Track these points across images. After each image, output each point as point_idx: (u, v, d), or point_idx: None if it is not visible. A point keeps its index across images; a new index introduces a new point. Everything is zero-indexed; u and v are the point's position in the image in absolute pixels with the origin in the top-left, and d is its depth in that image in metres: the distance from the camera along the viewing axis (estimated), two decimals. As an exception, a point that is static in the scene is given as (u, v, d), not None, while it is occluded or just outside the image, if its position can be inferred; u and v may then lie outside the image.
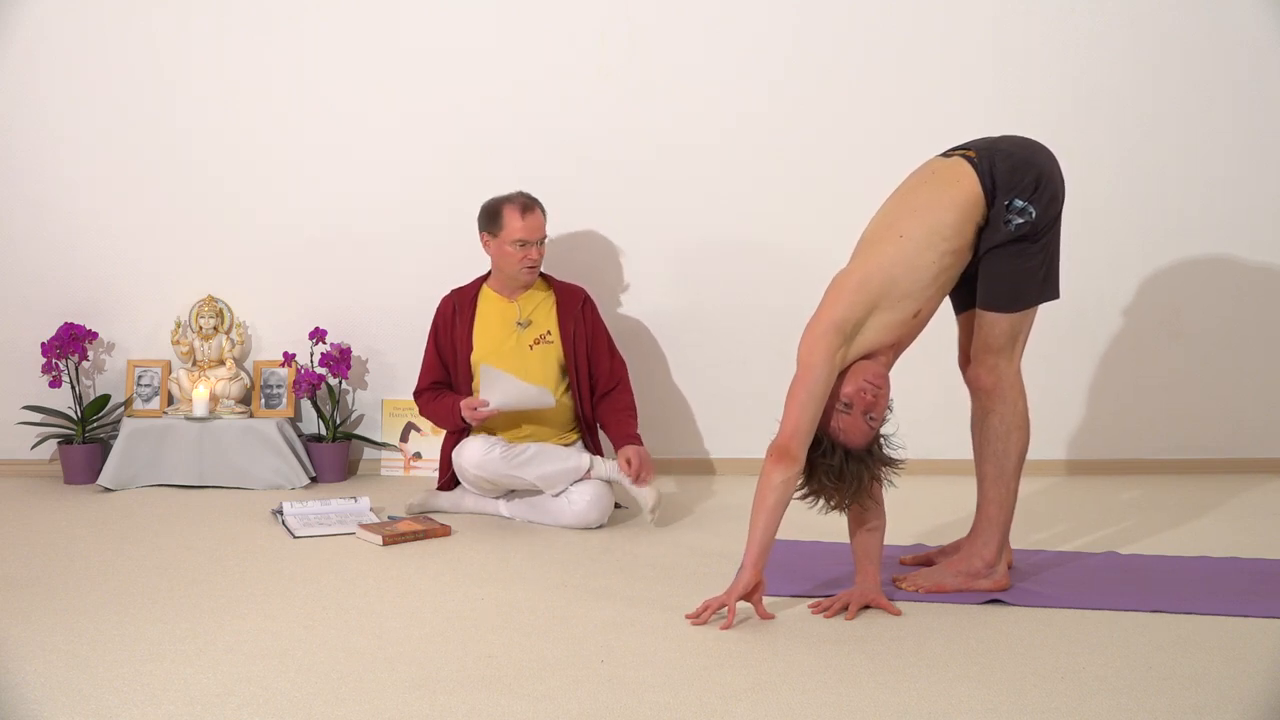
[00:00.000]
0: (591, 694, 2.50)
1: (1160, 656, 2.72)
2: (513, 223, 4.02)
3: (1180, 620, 2.97)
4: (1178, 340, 4.84)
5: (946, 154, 3.17)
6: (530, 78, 4.71)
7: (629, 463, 3.88)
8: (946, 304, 3.22)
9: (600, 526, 3.92)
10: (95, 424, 4.66)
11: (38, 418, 4.68)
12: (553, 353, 4.11)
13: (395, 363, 4.75)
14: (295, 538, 3.78)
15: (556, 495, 3.93)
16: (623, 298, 4.78)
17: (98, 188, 4.73)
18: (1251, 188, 4.78)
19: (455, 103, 4.72)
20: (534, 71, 4.71)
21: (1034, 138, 3.18)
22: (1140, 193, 4.77)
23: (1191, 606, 3.05)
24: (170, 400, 4.68)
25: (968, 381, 3.23)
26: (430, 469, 4.65)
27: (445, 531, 3.82)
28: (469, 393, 4.10)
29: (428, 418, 4.21)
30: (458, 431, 4.09)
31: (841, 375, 2.96)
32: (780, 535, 2.99)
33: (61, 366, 4.61)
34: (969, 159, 3.07)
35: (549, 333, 4.12)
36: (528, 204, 4.05)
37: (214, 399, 4.60)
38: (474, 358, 4.10)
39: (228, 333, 4.71)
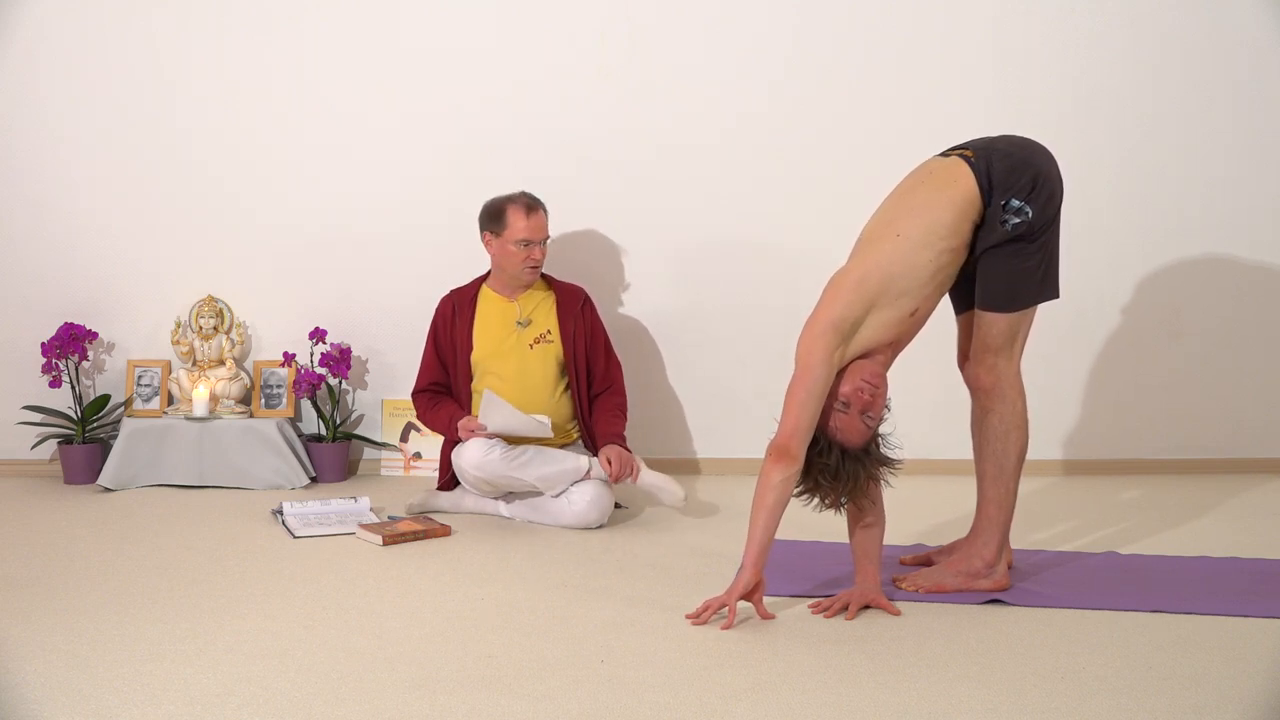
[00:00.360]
0: (591, 694, 2.50)
1: (1160, 656, 2.72)
2: (516, 222, 4.02)
3: (1180, 620, 2.97)
4: (1177, 340, 4.84)
5: (944, 154, 3.18)
6: (530, 78, 4.71)
7: (609, 462, 3.89)
8: (945, 303, 3.22)
9: (600, 526, 3.92)
10: (95, 424, 4.66)
11: (38, 418, 4.68)
12: (552, 352, 4.12)
13: (395, 363, 4.75)
14: (295, 538, 3.78)
15: (556, 496, 3.93)
16: (623, 298, 4.78)
17: (98, 188, 4.73)
18: (1251, 188, 4.78)
19: (455, 103, 4.72)
20: (534, 71, 4.71)
21: (1033, 138, 3.19)
22: (1140, 193, 4.77)
23: (1191, 606, 3.05)
24: (170, 400, 4.68)
25: (967, 381, 3.23)
26: (430, 469, 4.65)
27: (445, 531, 3.82)
28: (467, 394, 4.11)
29: (423, 421, 4.22)
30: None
31: (839, 374, 2.96)
32: (780, 535, 2.99)
33: (61, 366, 4.61)
34: (966, 159, 3.08)
35: (549, 332, 4.13)
36: (531, 204, 4.06)
37: (214, 399, 4.60)
38: (474, 357, 4.11)
39: (228, 333, 4.71)
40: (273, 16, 4.68)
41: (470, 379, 4.12)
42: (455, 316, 4.14)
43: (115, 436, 4.56)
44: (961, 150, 3.14)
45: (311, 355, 4.67)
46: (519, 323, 4.12)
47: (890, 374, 3.05)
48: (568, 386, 4.13)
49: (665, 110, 4.72)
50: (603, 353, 4.18)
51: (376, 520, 3.92)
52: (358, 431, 4.80)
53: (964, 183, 3.04)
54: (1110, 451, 4.84)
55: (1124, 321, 4.81)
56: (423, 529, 3.78)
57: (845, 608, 3.01)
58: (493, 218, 4.07)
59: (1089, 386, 4.83)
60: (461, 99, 4.72)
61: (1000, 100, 4.67)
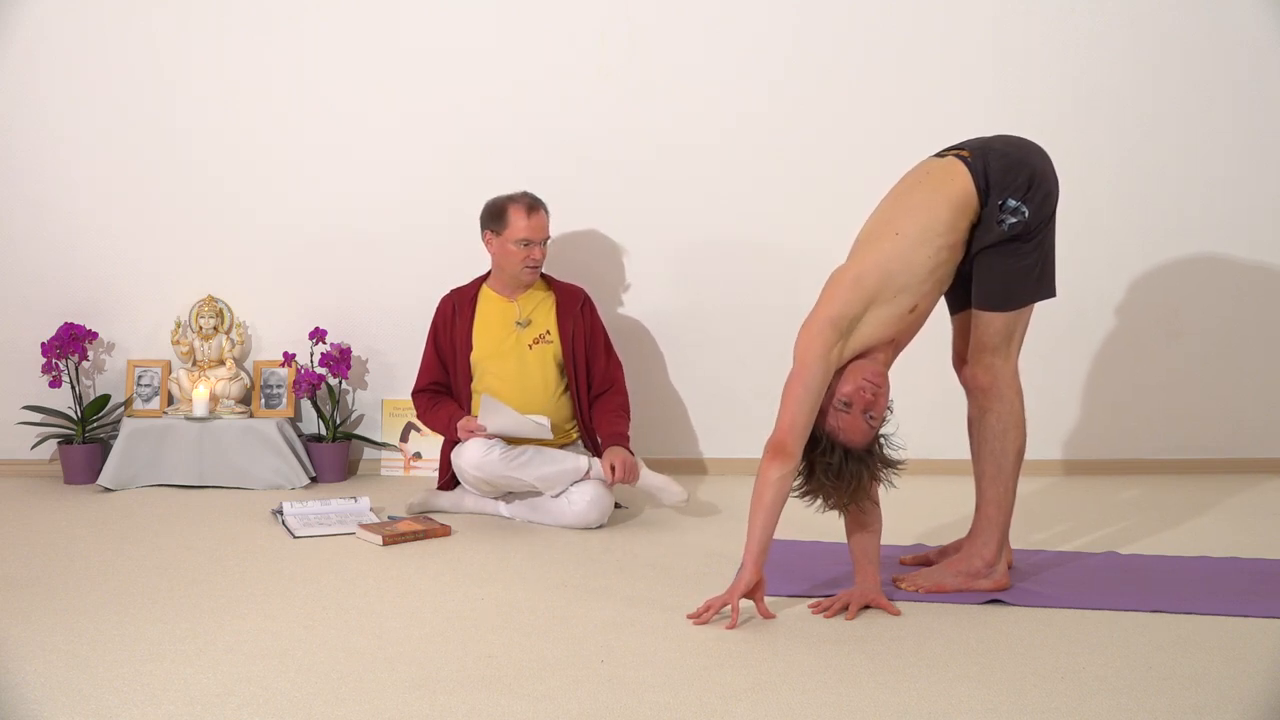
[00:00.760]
0: (591, 694, 2.50)
1: (1160, 656, 2.72)
2: (518, 222, 4.02)
3: (1180, 620, 2.97)
4: (1177, 340, 4.84)
5: (940, 154, 3.18)
6: (530, 78, 4.71)
7: (613, 469, 3.88)
8: (943, 304, 3.22)
9: (600, 526, 3.92)
10: (95, 424, 4.66)
11: (38, 418, 4.68)
12: (551, 352, 4.12)
13: (395, 363, 4.75)
14: (295, 538, 3.78)
15: (556, 496, 3.93)
16: (623, 298, 4.78)
17: (98, 188, 4.73)
18: (1251, 188, 4.78)
19: (455, 103, 4.72)
20: (534, 71, 4.71)
21: (1032, 138, 3.19)
22: (1140, 193, 4.77)
23: (1191, 606, 3.05)
24: (170, 400, 4.68)
25: (964, 382, 3.24)
26: (430, 469, 4.65)
27: (445, 531, 3.82)
28: (467, 393, 4.11)
29: (423, 421, 4.22)
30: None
31: (840, 374, 2.96)
32: (779, 535, 2.99)
33: (61, 366, 4.61)
34: (963, 159, 3.08)
35: (548, 332, 4.13)
36: (533, 204, 4.06)
37: (214, 399, 4.60)
38: (474, 357, 4.11)
39: (228, 333, 4.71)
40: (273, 16, 4.68)
41: (470, 379, 4.12)
42: (455, 316, 4.14)
43: (115, 436, 4.56)
44: (958, 150, 3.14)
45: (311, 355, 4.67)
46: (519, 323, 4.12)
47: (890, 374, 3.05)
48: (567, 387, 4.13)
49: (665, 110, 4.72)
50: (602, 353, 4.18)
51: (376, 520, 3.92)
52: (358, 431, 4.80)
53: (961, 182, 3.04)
54: (1110, 451, 4.84)
55: (1123, 321, 4.81)
56: (423, 529, 3.78)
57: (845, 608, 3.01)
58: (494, 216, 4.07)
59: (1088, 386, 4.83)
60: (461, 99, 4.72)
61: (1000, 100, 4.67)
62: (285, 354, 4.68)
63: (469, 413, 4.07)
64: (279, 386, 4.73)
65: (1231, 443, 4.86)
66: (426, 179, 4.74)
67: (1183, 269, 4.80)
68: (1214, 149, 4.76)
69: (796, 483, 2.97)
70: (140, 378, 4.70)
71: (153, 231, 4.74)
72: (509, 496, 4.03)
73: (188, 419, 4.55)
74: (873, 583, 3.07)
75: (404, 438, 4.76)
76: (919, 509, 4.04)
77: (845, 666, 2.66)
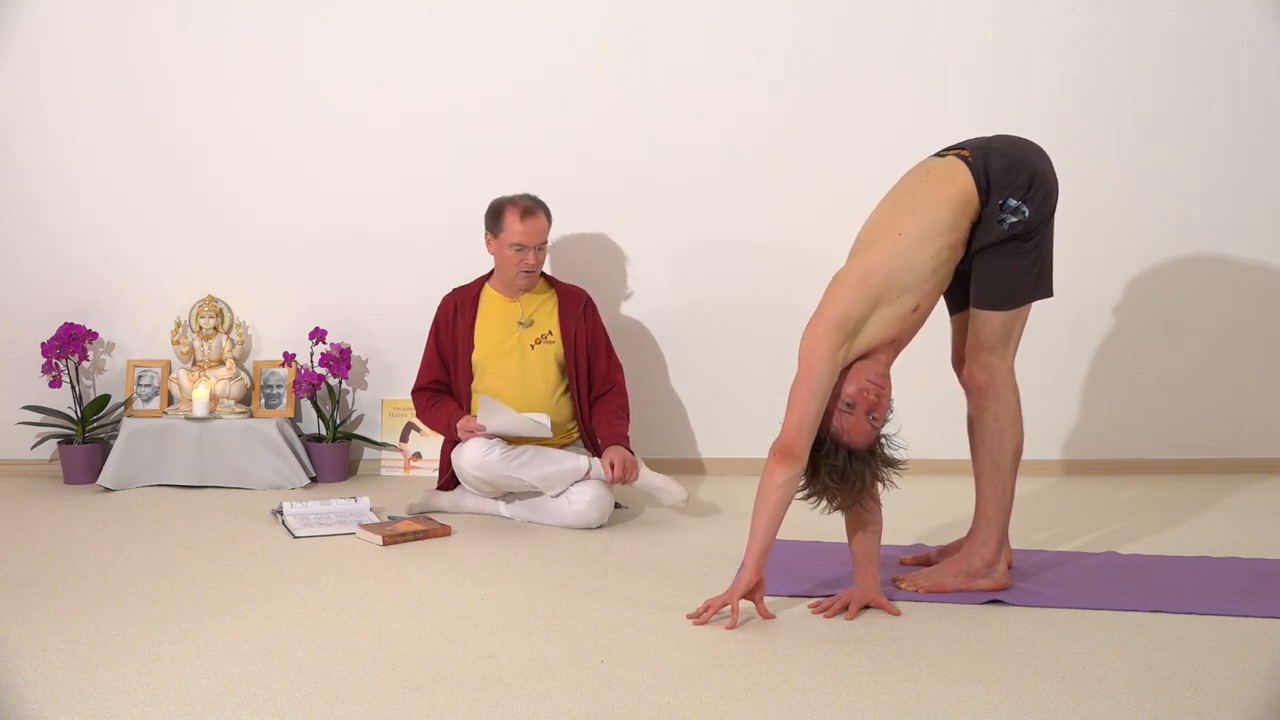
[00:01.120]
0: (591, 694, 2.50)
1: (1160, 656, 2.72)
2: (512, 225, 4.02)
3: (1180, 620, 2.97)
4: (1177, 340, 4.84)
5: (940, 154, 3.18)
6: (530, 78, 4.71)
7: (612, 466, 3.88)
8: (942, 304, 3.22)
9: (600, 526, 3.92)
10: (95, 424, 4.66)
11: (38, 418, 4.68)
12: (552, 353, 4.12)
13: (395, 363, 4.75)
14: (295, 538, 3.78)
15: (556, 496, 3.93)
16: (623, 298, 4.78)
17: (98, 188, 4.73)
18: (1251, 188, 4.78)
19: (455, 103, 4.72)
20: (534, 71, 4.71)
21: (1033, 138, 3.19)
22: (1140, 193, 4.77)
23: (1191, 606, 3.05)
24: (170, 400, 4.69)
25: (962, 381, 3.24)
26: (430, 469, 4.65)
27: (445, 531, 3.82)
28: (468, 393, 4.11)
29: (422, 420, 4.22)
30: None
31: (843, 375, 2.96)
32: (780, 535, 2.99)
33: (61, 366, 4.61)
34: (963, 158, 3.08)
35: (550, 333, 4.13)
36: (530, 207, 4.04)
37: (214, 399, 4.60)
38: (475, 357, 4.11)
39: (228, 333, 4.71)
40: (273, 16, 4.69)
41: (471, 378, 4.12)
42: (457, 315, 4.14)
43: (115, 436, 4.56)
44: (958, 150, 3.14)
45: (311, 355, 4.67)
46: (520, 323, 4.12)
47: (891, 374, 3.05)
48: (568, 388, 4.13)
49: (665, 110, 4.72)
50: (603, 354, 4.18)
51: (376, 520, 3.92)
52: (358, 431, 4.80)
53: (961, 181, 3.04)
54: (1109, 451, 4.84)
55: (1123, 321, 4.81)
56: (423, 529, 3.78)
57: (845, 608, 3.01)
58: (493, 218, 4.07)
59: (1088, 386, 4.83)
60: (461, 99, 4.72)
61: (1000, 100, 4.67)
62: (285, 354, 4.68)
63: (469, 412, 4.07)
64: (279, 386, 4.73)
65: (1231, 443, 4.86)
66: (426, 179, 4.74)
67: (1183, 269, 4.80)
68: (1214, 149, 4.76)
69: (800, 484, 2.97)
70: (140, 378, 4.70)
71: (153, 231, 4.74)
72: (509, 496, 4.03)
73: (188, 419, 4.55)
74: (873, 583, 3.07)
75: (404, 438, 4.76)
76: (919, 509, 4.04)
77: (845, 666, 2.66)
